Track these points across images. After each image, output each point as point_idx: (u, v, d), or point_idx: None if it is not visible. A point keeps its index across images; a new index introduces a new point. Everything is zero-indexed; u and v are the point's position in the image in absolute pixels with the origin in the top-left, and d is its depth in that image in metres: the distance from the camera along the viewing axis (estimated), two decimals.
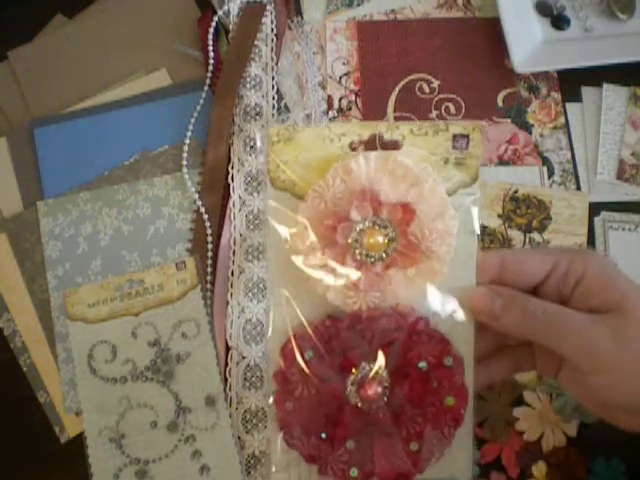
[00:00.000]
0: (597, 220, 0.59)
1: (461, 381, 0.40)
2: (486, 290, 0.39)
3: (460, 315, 0.40)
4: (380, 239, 0.38)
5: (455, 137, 0.39)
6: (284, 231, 0.40)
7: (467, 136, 0.39)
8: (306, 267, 0.39)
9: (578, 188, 0.60)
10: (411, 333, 0.39)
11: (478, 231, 0.41)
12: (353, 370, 0.39)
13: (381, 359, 0.38)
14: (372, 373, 0.38)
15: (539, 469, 0.53)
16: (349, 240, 0.39)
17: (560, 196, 0.59)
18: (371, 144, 0.40)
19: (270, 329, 0.40)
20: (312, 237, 0.39)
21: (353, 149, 0.40)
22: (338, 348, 0.39)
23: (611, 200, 0.60)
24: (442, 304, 0.40)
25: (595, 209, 0.59)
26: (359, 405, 0.39)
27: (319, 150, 0.40)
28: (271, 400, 0.40)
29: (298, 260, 0.39)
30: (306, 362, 0.39)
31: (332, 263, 0.38)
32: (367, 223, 0.39)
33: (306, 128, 0.40)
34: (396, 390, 0.39)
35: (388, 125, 0.40)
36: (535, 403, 0.54)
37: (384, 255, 0.38)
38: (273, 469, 0.41)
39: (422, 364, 0.39)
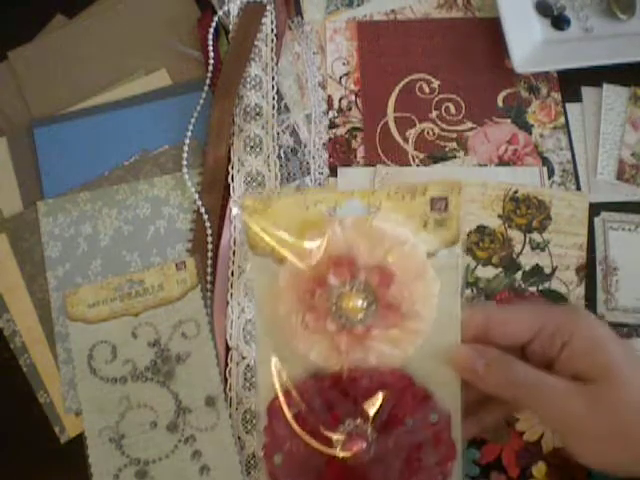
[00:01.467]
0: (597, 220, 0.59)
1: (447, 436, 0.40)
2: (469, 350, 0.39)
3: (445, 372, 0.40)
4: (359, 303, 0.39)
5: (433, 200, 0.39)
6: (267, 295, 0.40)
7: (445, 198, 0.39)
8: (289, 329, 0.40)
9: (578, 188, 0.60)
10: (395, 391, 0.39)
11: (463, 291, 0.40)
12: (339, 426, 0.39)
13: (365, 415, 0.39)
14: (356, 429, 0.39)
15: (539, 469, 0.53)
16: (328, 304, 0.39)
17: (560, 196, 0.59)
18: None
19: (258, 386, 0.41)
20: (292, 301, 0.39)
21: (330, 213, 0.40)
22: (322, 406, 0.39)
23: (611, 200, 0.60)
24: (426, 362, 0.40)
25: (595, 209, 0.59)
26: (346, 460, 0.39)
27: (296, 216, 0.40)
28: (261, 454, 0.40)
29: (281, 322, 0.40)
30: (294, 418, 0.40)
31: (312, 326, 0.39)
32: (346, 287, 0.39)
33: (281, 197, 0.40)
34: (382, 446, 0.39)
35: (363, 192, 0.40)
36: None
37: (364, 317, 0.39)
38: None
39: (408, 421, 0.39)
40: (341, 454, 0.38)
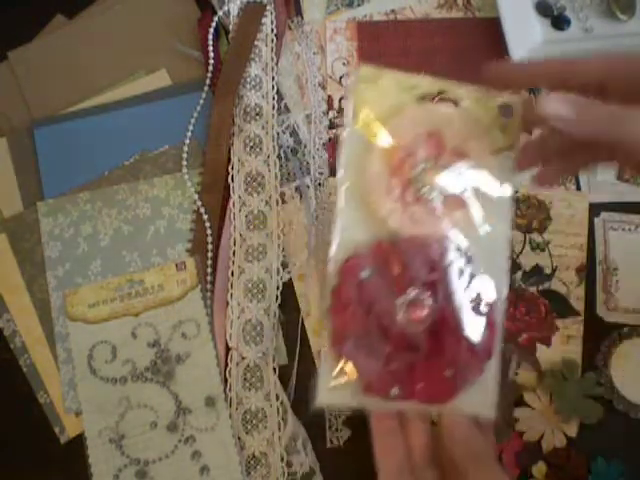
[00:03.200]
0: (597, 220, 0.59)
1: (493, 320, 0.41)
2: (553, 98, 0.40)
3: (499, 261, 0.42)
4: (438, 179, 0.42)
5: (501, 107, 0.44)
6: (357, 161, 0.44)
7: (511, 106, 0.43)
8: (373, 193, 0.42)
9: (578, 188, 0.60)
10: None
11: (514, 188, 0.44)
12: (403, 293, 0.41)
13: (430, 285, 0.41)
14: (418, 298, 0.41)
15: (539, 469, 0.53)
16: (412, 175, 0.42)
17: (560, 196, 0.59)
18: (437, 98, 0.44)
19: (334, 246, 0.43)
20: (382, 167, 0.43)
21: (423, 99, 0.44)
22: (391, 270, 0.41)
23: (611, 200, 0.60)
24: (484, 249, 0.43)
25: (595, 209, 0.59)
26: (405, 327, 0.41)
27: (394, 96, 0.44)
28: (326, 311, 0.42)
29: (366, 186, 0.43)
30: (361, 281, 0.41)
31: (396, 191, 0.42)
32: (430, 163, 0.42)
33: (388, 73, 0.44)
34: (438, 317, 0.41)
35: (452, 83, 0.44)
36: (535, 404, 0.54)
37: (441, 195, 0.42)
38: (326, 384, 0.42)
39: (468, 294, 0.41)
40: (402, 321, 0.40)
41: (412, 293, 0.41)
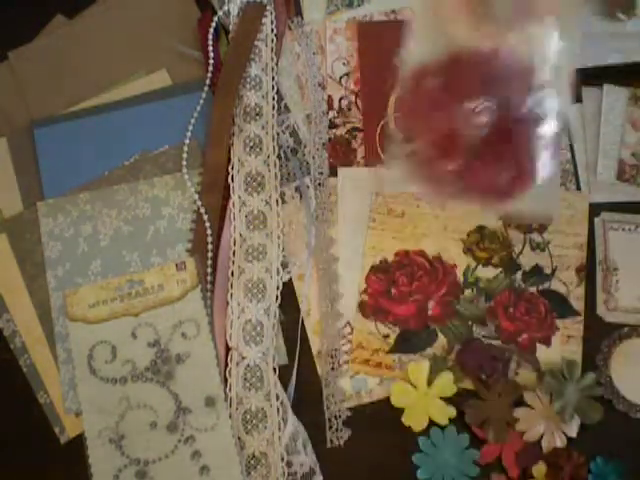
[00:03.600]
0: (597, 220, 0.59)
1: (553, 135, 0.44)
2: None
3: None
4: None
5: None
6: None
7: None
8: (448, 13, 0.44)
9: (578, 188, 0.60)
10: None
11: None
12: (470, 100, 0.43)
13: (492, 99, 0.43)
14: (484, 107, 0.43)
15: (539, 469, 0.53)
16: None
17: (560, 196, 0.59)
18: None
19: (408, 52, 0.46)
20: None
21: None
22: (458, 81, 0.44)
23: (611, 200, 0.60)
24: None
25: (595, 209, 0.59)
26: (468, 132, 0.43)
27: None
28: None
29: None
30: (430, 89, 0.44)
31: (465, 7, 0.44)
32: None
33: None
34: (498, 126, 0.43)
35: None
36: (535, 404, 0.54)
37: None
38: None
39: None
40: (466, 125, 0.42)
41: (476, 102, 0.43)
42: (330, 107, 0.63)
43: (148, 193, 0.59)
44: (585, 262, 0.58)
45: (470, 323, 0.57)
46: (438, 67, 0.44)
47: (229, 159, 0.59)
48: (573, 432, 0.54)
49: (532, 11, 0.43)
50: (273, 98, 0.61)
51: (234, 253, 0.58)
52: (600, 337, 0.57)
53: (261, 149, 0.60)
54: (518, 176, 0.43)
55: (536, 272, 0.58)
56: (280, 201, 0.59)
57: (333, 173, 0.61)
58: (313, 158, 0.61)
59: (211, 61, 0.61)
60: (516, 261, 0.58)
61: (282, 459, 0.53)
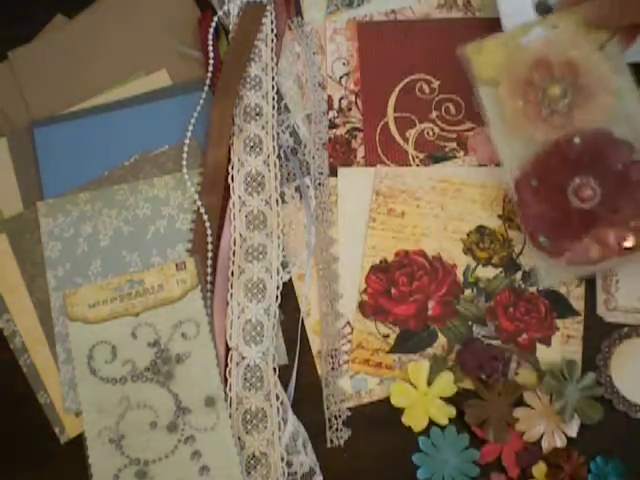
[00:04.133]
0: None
1: None
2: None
3: None
4: (557, 91, 0.52)
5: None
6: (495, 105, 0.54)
7: None
8: (518, 123, 0.53)
9: None
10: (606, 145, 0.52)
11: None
12: (570, 182, 0.51)
13: (589, 171, 0.51)
14: (584, 182, 0.51)
15: (539, 469, 0.53)
16: (537, 97, 0.52)
17: None
18: None
19: (506, 168, 0.54)
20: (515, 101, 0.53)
21: None
22: (553, 171, 0.52)
23: None
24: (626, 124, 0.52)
25: None
26: (573, 200, 0.51)
27: (501, 53, 0.54)
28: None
29: (512, 120, 0.54)
30: (536, 186, 0.52)
31: (531, 114, 0.52)
32: (546, 81, 0.52)
33: (488, 40, 0.55)
34: (605, 192, 0.51)
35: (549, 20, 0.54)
36: (535, 404, 0.54)
37: (564, 101, 0.52)
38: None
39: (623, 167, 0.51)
40: (574, 201, 0.50)
41: (577, 179, 0.51)
42: (330, 107, 0.63)
43: (148, 193, 0.59)
44: None
45: (470, 323, 0.57)
46: (532, 168, 0.53)
47: (229, 159, 0.59)
48: (573, 432, 0.54)
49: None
50: (273, 98, 0.61)
51: (234, 253, 0.58)
52: (600, 337, 0.56)
53: (261, 149, 0.60)
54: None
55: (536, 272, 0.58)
56: (280, 201, 0.59)
57: (333, 173, 0.61)
58: (313, 158, 0.61)
59: (211, 61, 0.61)
60: (516, 261, 0.58)
61: (282, 459, 0.53)
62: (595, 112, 0.51)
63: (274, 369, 0.55)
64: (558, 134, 0.51)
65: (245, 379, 0.55)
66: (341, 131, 0.62)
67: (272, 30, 0.63)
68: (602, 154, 0.51)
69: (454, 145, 0.61)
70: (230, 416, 0.53)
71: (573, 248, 0.51)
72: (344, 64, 0.64)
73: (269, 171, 0.59)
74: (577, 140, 0.50)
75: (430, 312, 0.57)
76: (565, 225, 0.51)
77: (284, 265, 0.58)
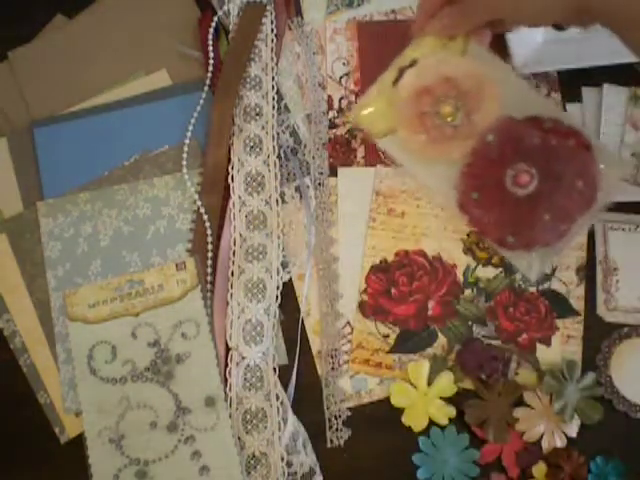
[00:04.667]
0: (597, 220, 0.59)
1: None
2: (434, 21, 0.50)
3: None
4: (448, 108, 0.52)
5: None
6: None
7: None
8: (428, 151, 0.53)
9: None
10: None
11: None
12: (509, 168, 0.51)
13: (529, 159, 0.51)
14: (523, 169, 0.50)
15: (539, 469, 0.53)
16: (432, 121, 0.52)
17: None
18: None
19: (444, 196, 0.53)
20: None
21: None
22: (487, 176, 0.52)
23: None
24: None
25: None
26: (516, 192, 0.50)
27: (382, 103, 0.53)
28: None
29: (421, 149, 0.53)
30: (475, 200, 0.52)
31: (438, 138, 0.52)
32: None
33: (365, 98, 0.53)
34: (541, 180, 0.50)
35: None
36: (535, 404, 0.54)
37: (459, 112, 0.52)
38: None
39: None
40: (512, 186, 0.50)
41: (510, 171, 0.51)
42: (330, 107, 0.63)
43: (148, 193, 0.59)
44: (585, 262, 0.58)
45: (470, 323, 0.57)
46: (465, 184, 0.52)
47: (229, 159, 0.59)
48: (573, 432, 0.54)
49: None
50: (273, 98, 0.61)
51: (234, 253, 0.58)
52: (600, 337, 0.56)
53: (261, 149, 0.60)
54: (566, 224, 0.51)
55: None
56: (280, 201, 0.59)
57: (333, 173, 0.61)
58: (313, 158, 0.61)
59: (211, 61, 0.61)
60: None
61: (282, 459, 0.53)
62: (490, 108, 0.52)
63: (274, 369, 0.55)
64: (470, 143, 0.52)
65: (245, 379, 0.55)
66: (341, 131, 0.62)
67: (272, 30, 0.63)
68: (517, 138, 0.51)
69: None
70: (230, 416, 0.53)
71: (540, 232, 0.51)
72: (344, 64, 0.64)
73: (269, 171, 0.59)
74: (490, 137, 0.51)
75: (430, 312, 0.57)
76: (522, 215, 0.51)
77: (284, 265, 0.58)
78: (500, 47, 0.61)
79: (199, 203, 0.58)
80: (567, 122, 0.52)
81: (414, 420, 0.55)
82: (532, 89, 0.55)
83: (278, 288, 0.57)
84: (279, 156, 0.60)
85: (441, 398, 0.55)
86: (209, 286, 0.56)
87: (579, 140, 0.51)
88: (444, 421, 0.54)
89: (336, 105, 0.63)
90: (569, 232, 0.51)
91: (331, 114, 0.62)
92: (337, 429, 0.55)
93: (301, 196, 0.60)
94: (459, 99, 0.52)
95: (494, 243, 0.52)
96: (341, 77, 0.63)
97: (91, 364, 0.54)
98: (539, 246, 0.51)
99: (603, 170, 0.51)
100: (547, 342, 0.56)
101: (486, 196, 0.51)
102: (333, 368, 0.56)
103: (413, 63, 0.52)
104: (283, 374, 0.56)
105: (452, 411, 0.54)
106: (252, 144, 0.60)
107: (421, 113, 0.52)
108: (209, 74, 0.61)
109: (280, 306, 0.57)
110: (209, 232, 0.58)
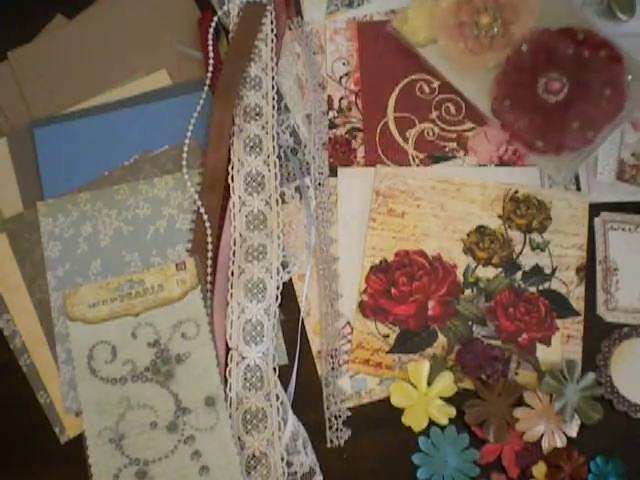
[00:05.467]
0: (597, 220, 0.59)
1: (623, 80, 0.54)
2: None
3: None
4: (487, 18, 0.56)
5: None
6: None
7: None
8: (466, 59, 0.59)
9: (578, 188, 0.60)
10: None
11: None
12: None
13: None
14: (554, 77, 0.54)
15: (539, 469, 0.53)
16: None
17: (560, 196, 0.59)
18: None
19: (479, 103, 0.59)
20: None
21: None
22: (520, 84, 0.56)
23: (611, 200, 0.60)
24: None
25: (595, 209, 0.59)
26: (547, 99, 0.54)
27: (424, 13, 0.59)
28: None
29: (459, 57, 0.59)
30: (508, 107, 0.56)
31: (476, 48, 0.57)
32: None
33: (409, 9, 0.60)
34: (573, 78, 0.54)
35: None
36: (535, 404, 0.54)
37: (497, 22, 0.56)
38: None
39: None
40: (548, 98, 0.54)
41: (542, 79, 0.53)
42: (330, 107, 0.63)
43: (148, 193, 0.59)
44: (585, 262, 0.58)
45: (470, 323, 0.57)
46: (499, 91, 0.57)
47: (229, 159, 0.59)
48: (573, 432, 0.54)
49: None
50: (273, 98, 0.61)
51: (234, 253, 0.58)
52: (600, 337, 0.57)
53: (261, 149, 0.60)
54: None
55: (536, 272, 0.58)
56: (280, 201, 0.59)
57: (333, 173, 0.61)
58: (313, 158, 0.61)
59: (211, 61, 0.61)
60: (516, 261, 0.58)
61: (282, 459, 0.53)
62: (527, 19, 0.54)
63: (274, 369, 0.55)
64: (506, 53, 0.55)
65: (245, 379, 0.55)
66: (341, 131, 0.62)
67: (272, 30, 0.63)
68: (551, 48, 0.53)
69: (454, 145, 0.61)
70: (230, 416, 0.53)
71: (568, 137, 0.54)
72: (344, 64, 0.64)
73: (269, 171, 0.59)
74: (525, 47, 0.54)
75: (430, 312, 0.57)
76: (552, 121, 0.53)
77: (284, 265, 0.58)
78: None
79: (199, 203, 0.58)
80: (601, 34, 0.54)
81: (414, 420, 0.55)
82: (568, 1, 0.57)
83: (278, 288, 0.57)
84: (279, 156, 0.60)
85: (441, 398, 0.55)
86: (209, 286, 0.56)
87: (611, 52, 0.53)
88: (444, 421, 0.54)
89: (336, 105, 0.63)
90: (596, 139, 0.54)
91: (331, 114, 0.62)
92: (337, 429, 0.55)
93: (301, 196, 0.60)
94: (497, 10, 0.55)
95: (524, 147, 0.55)
96: (341, 77, 0.63)
97: (91, 364, 0.54)
98: (567, 151, 0.54)
99: (631, 81, 0.53)
100: (547, 342, 0.56)
101: (518, 103, 0.54)
102: (333, 368, 0.56)
103: None
104: (283, 374, 0.56)
105: (452, 411, 0.54)
106: (252, 144, 0.60)
107: (460, 23, 0.55)
108: (209, 74, 0.61)
109: (280, 306, 0.57)
110: (209, 232, 0.58)
